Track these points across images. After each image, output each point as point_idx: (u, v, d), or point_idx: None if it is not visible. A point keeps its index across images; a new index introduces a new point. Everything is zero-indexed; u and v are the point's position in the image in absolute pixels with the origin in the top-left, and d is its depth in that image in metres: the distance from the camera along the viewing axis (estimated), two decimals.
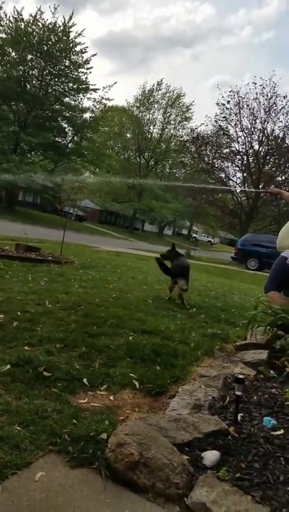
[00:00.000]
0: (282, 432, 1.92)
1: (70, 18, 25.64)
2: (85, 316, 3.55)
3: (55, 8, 27.38)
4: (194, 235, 53.61)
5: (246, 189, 29.21)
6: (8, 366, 2.21)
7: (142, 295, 5.23)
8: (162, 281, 7.14)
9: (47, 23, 25.55)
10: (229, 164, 32.64)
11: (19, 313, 3.30)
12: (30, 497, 1.30)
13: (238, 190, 30.36)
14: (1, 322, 2.98)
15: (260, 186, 28.79)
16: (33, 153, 28.87)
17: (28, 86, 27.01)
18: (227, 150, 32.19)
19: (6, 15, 25.21)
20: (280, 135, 29.93)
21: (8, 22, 25.22)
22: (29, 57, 26.38)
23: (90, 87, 27.50)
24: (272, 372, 2.73)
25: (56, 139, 28.84)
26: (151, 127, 43.37)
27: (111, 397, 2.11)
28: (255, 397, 2.30)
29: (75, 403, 1.97)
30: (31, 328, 2.97)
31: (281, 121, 29.47)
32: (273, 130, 29.93)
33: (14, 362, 2.27)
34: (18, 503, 1.26)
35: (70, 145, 29.80)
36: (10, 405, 1.80)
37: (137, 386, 2.28)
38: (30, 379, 2.12)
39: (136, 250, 17.12)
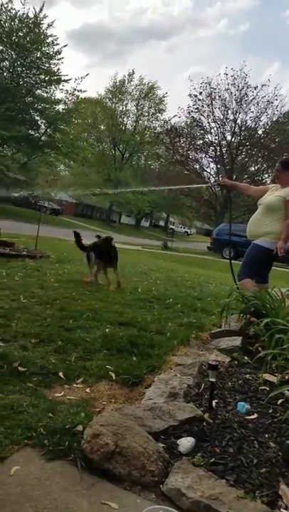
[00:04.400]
0: (255, 416, 1.97)
1: (41, 9, 25.15)
2: (61, 310, 3.52)
3: None
4: (171, 227, 53.83)
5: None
6: None
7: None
8: (139, 273, 7.16)
9: (17, 14, 24.88)
10: (203, 155, 32.83)
11: None
12: (5, 491, 1.29)
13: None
14: None
15: (234, 177, 29.14)
16: (5, 146, 28.11)
17: None
18: (200, 141, 32.33)
19: None
20: (252, 125, 30.31)
21: None
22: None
23: (62, 78, 26.99)
24: (246, 358, 2.79)
25: (29, 131, 28.19)
26: (125, 119, 43.11)
27: (87, 390, 2.11)
28: (229, 383, 2.35)
29: (51, 397, 1.96)
30: (6, 324, 2.92)
31: (252, 112, 29.81)
32: (245, 121, 30.27)
33: None
34: None
35: (43, 138, 29.21)
36: None
37: (114, 377, 2.29)
38: (4, 374, 2.09)
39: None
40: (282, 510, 1.34)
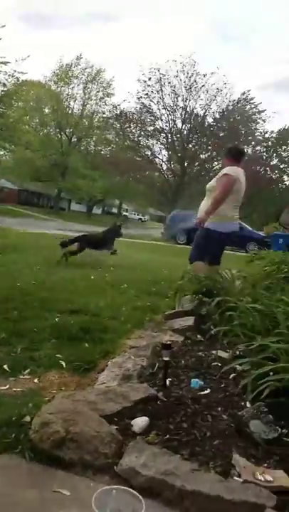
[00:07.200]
0: (208, 391, 2.00)
1: None
2: (5, 302, 3.35)
3: None
4: (124, 213, 53.59)
5: None
6: None
7: (69, 276, 5.08)
8: (88, 263, 7.01)
9: None
10: (154, 142, 32.80)
11: None
12: None
13: None
14: None
15: (185, 164, 29.49)
16: None
17: None
18: (151, 127, 32.24)
19: None
20: (201, 113, 30.66)
21: None
22: None
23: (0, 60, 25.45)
24: (199, 336, 2.83)
25: None
26: (72, 102, 41.64)
27: (35, 380, 2.03)
28: (183, 362, 2.36)
29: None
30: None
31: (202, 99, 30.11)
32: (195, 108, 30.52)
33: None
34: None
35: None
36: None
37: (64, 366, 2.22)
38: None
39: (63, 231, 16.64)
40: (235, 478, 1.35)
